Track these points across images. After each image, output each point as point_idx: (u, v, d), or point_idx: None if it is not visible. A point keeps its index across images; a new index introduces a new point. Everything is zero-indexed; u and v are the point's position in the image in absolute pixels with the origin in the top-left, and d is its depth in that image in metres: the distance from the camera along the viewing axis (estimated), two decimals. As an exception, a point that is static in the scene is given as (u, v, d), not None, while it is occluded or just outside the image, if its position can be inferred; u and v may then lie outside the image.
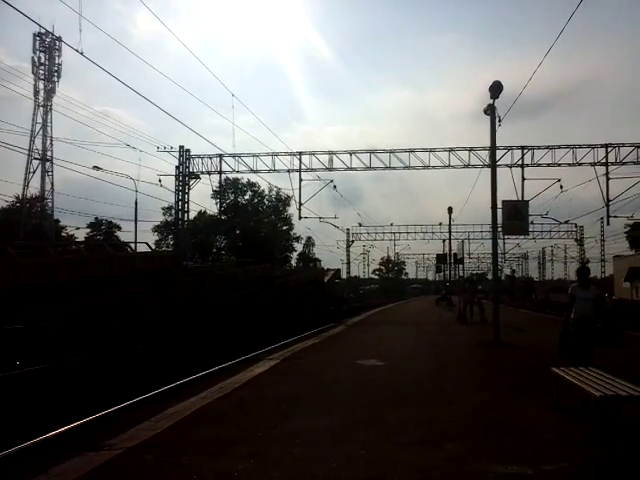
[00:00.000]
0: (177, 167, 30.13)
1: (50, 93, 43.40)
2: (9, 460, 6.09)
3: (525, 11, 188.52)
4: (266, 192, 67.20)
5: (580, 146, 27.61)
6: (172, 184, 30.45)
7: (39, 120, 42.97)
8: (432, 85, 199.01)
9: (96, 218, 54.45)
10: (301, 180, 29.75)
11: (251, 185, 65.63)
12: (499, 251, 24.55)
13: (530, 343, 16.15)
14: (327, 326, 25.40)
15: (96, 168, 31.66)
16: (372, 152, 29.22)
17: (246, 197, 67.49)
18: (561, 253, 74.30)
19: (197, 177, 30.50)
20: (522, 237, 46.18)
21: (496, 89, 15.15)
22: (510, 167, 27.46)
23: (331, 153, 29.34)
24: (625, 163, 27.20)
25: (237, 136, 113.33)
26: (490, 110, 15.76)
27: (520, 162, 27.58)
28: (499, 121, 15.97)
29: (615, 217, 29.64)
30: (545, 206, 35.40)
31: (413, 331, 20.76)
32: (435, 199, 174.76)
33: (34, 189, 44.75)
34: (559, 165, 27.99)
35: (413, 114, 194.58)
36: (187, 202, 30.50)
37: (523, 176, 27.11)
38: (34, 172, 43.65)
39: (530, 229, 28.03)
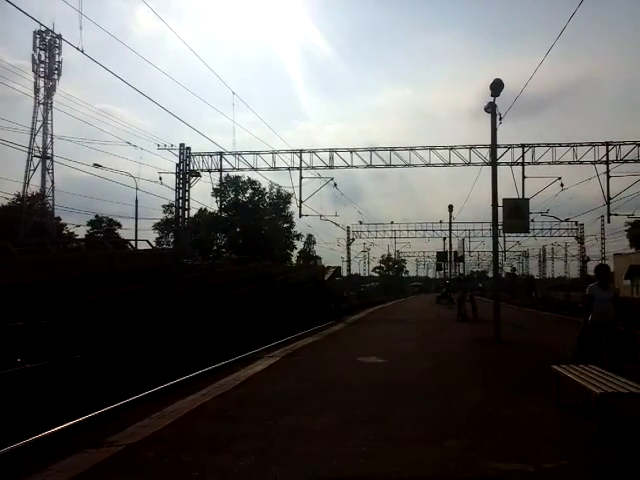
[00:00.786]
0: (178, 165, 30.10)
1: (50, 91, 43.40)
2: (11, 457, 6.10)
3: (525, 9, 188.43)
4: (267, 190, 67.29)
5: (581, 144, 27.56)
6: (173, 182, 30.45)
7: (39, 118, 43.00)
8: (432, 83, 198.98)
9: (97, 216, 54.51)
10: (301, 178, 29.72)
11: (252, 183, 65.67)
12: (499, 249, 24.45)
13: (531, 341, 16.14)
14: (327, 324, 25.41)
15: (97, 166, 31.65)
16: (372, 150, 29.19)
17: (247, 195, 67.49)
18: (561, 251, 74.32)
19: (198, 175, 30.47)
20: (523, 235, 46.10)
21: (497, 87, 15.13)
22: (511, 165, 27.42)
23: (331, 151, 29.31)
24: (626, 161, 27.15)
25: (237, 134, 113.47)
26: (491, 108, 15.74)
27: (521, 160, 27.53)
28: (500, 119, 15.96)
29: (616, 215, 29.59)
30: (546, 204, 35.33)
31: (413, 329, 20.77)
32: (435, 197, 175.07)
33: (35, 187, 44.83)
34: (560, 163, 27.95)
35: (413, 112, 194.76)
36: (188, 200, 30.47)
37: (524, 174, 27.06)
38: (35, 170, 43.70)
39: (530, 227, 28.00)
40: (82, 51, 13.23)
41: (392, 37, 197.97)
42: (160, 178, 30.93)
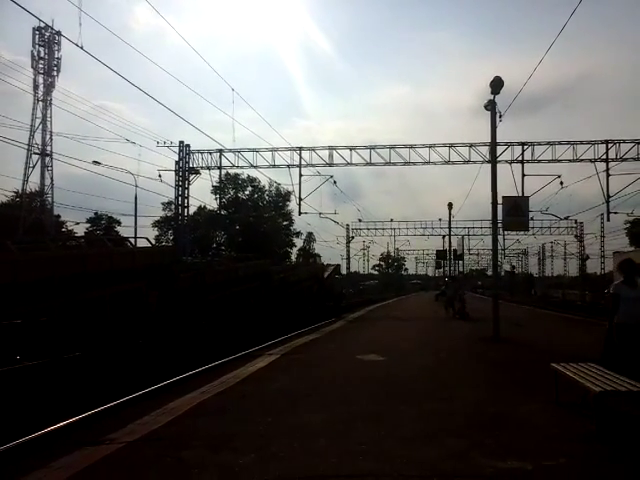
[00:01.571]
0: (177, 162, 30.10)
1: (50, 87, 43.27)
2: (10, 454, 6.11)
3: (524, 6, 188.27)
4: (266, 187, 67.26)
5: (580, 142, 27.57)
6: (172, 179, 30.47)
7: (39, 115, 42.85)
8: (431, 80, 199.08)
9: (96, 213, 54.47)
10: (301, 175, 29.73)
11: (251, 180, 65.65)
12: (499, 247, 24.51)
13: (530, 339, 16.15)
14: (327, 321, 25.44)
15: (96, 163, 31.69)
16: (372, 148, 29.22)
17: (246, 192, 67.47)
18: (561, 249, 74.22)
19: (197, 172, 30.48)
20: (522, 233, 46.30)
21: (497, 85, 15.12)
22: (510, 163, 27.43)
23: (331, 148, 29.33)
24: (625, 159, 27.19)
25: (237, 131, 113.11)
26: (490, 106, 15.73)
27: (520, 158, 27.54)
28: (500, 117, 15.95)
29: (615, 213, 29.75)
30: (545, 202, 35.41)
31: (413, 326, 20.79)
32: (435, 195, 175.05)
33: (34, 184, 44.70)
34: (559, 161, 27.97)
35: (412, 109, 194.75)
36: (187, 197, 30.48)
37: (523, 172, 27.09)
38: (34, 167, 43.57)
39: (530, 225, 28.01)
40: (81, 47, 13.21)
41: (392, 35, 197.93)
42: (159, 175, 30.97)
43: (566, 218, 44.76)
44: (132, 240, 24.52)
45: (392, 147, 28.90)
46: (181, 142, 30.11)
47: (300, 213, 31.69)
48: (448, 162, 28.39)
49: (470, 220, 56.04)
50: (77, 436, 6.01)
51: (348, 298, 50.66)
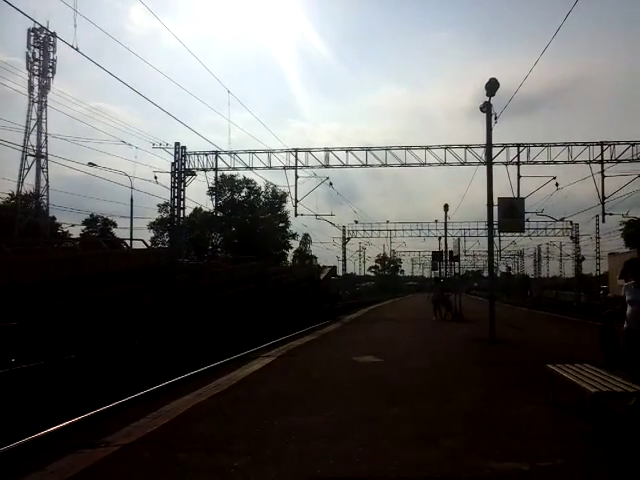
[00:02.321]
0: (173, 164, 30.08)
1: (45, 89, 43.17)
2: (5, 457, 6.08)
3: (519, 8, 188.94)
4: (262, 189, 67.25)
5: (575, 144, 27.68)
6: (168, 181, 30.46)
7: (34, 116, 42.76)
8: (427, 82, 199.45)
9: (91, 215, 54.41)
10: (297, 177, 29.75)
11: (247, 182, 65.62)
12: (495, 248, 24.47)
13: (526, 340, 16.18)
14: (323, 323, 25.41)
15: (91, 165, 31.62)
16: (368, 149, 29.25)
17: (242, 194, 67.42)
18: (557, 250, 74.45)
19: (193, 174, 30.46)
20: (518, 234, 46.43)
21: (492, 87, 15.14)
22: (506, 165, 27.52)
23: (327, 150, 29.35)
24: (620, 161, 27.31)
25: (233, 133, 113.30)
26: (486, 108, 15.76)
27: (516, 160, 27.64)
28: (495, 118, 15.99)
29: (610, 214, 29.91)
30: (541, 204, 35.44)
31: (409, 328, 20.79)
32: (431, 196, 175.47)
33: (29, 186, 44.58)
34: (555, 163, 28.08)
35: (408, 111, 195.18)
36: (183, 199, 30.46)
37: (519, 174, 27.18)
38: (29, 169, 43.47)
39: (526, 226, 28.12)
40: (77, 49, 13.21)
41: (388, 36, 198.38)
42: (155, 177, 31.08)
43: (562, 219, 44.94)
44: (128, 242, 24.48)
45: (388, 149, 28.97)
46: (177, 144, 30.11)
47: (296, 215, 31.72)
48: (444, 164, 28.48)
49: (466, 221, 56.25)
50: (73, 439, 5.99)
51: (344, 300, 50.68)
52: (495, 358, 11.93)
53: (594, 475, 4.61)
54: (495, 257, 31.97)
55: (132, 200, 35.63)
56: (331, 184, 33.25)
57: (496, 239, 43.05)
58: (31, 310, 13.62)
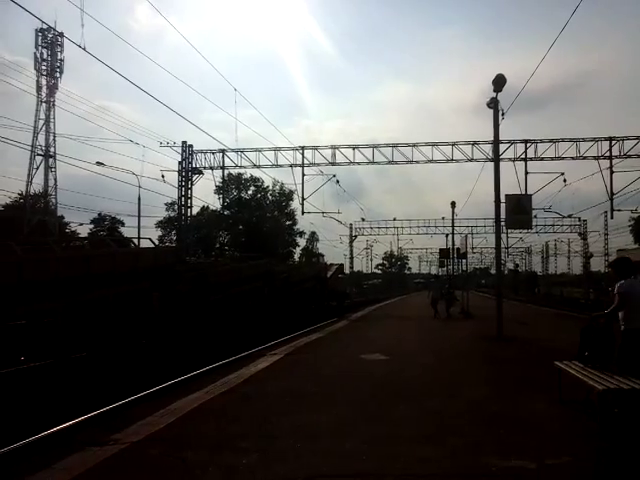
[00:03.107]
0: (180, 162, 30.11)
1: (53, 89, 43.33)
2: (15, 455, 6.14)
3: (526, 4, 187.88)
4: (269, 187, 67.30)
5: (584, 139, 27.48)
6: (175, 180, 30.48)
7: (42, 116, 42.94)
8: (433, 79, 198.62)
9: (99, 214, 54.60)
10: (304, 175, 29.70)
11: (254, 180, 65.67)
12: (502, 245, 24.38)
13: (533, 337, 16.12)
14: (330, 321, 25.43)
15: (99, 164, 31.74)
16: (375, 146, 29.18)
17: (249, 192, 67.50)
18: (564, 247, 74.06)
19: (200, 172, 30.48)
20: (525, 231, 46.09)
21: (499, 82, 15.07)
22: (513, 161, 27.34)
23: (334, 148, 29.28)
24: (629, 156, 27.05)
25: (239, 131, 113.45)
26: (493, 104, 15.69)
27: (523, 156, 27.44)
28: (502, 114, 15.91)
29: (619, 211, 29.63)
30: (548, 200, 35.26)
31: (416, 325, 20.77)
32: (438, 193, 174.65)
33: (38, 185, 44.78)
34: (562, 159, 27.85)
35: (414, 108, 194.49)
36: (190, 197, 30.49)
37: (526, 170, 27.01)
38: (37, 168, 43.66)
39: (533, 223, 28.03)
40: (84, 48, 13.24)
41: (393, 33, 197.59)
42: (162, 176, 31.02)
43: (569, 216, 44.67)
44: (135, 241, 24.57)
45: (395, 146, 28.84)
46: (184, 142, 30.13)
47: (303, 212, 31.70)
48: (451, 160, 28.31)
49: (473, 218, 56.04)
50: (81, 437, 6.02)
51: (351, 297, 50.66)
52: (502, 355, 11.90)
53: (601, 473, 4.60)
54: (503, 254, 31.90)
55: (140, 199, 35.83)
56: (338, 182, 33.17)
57: (503, 236, 42.87)
58: (40, 309, 13.71)
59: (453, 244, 36.36)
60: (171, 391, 9.33)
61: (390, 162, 29.04)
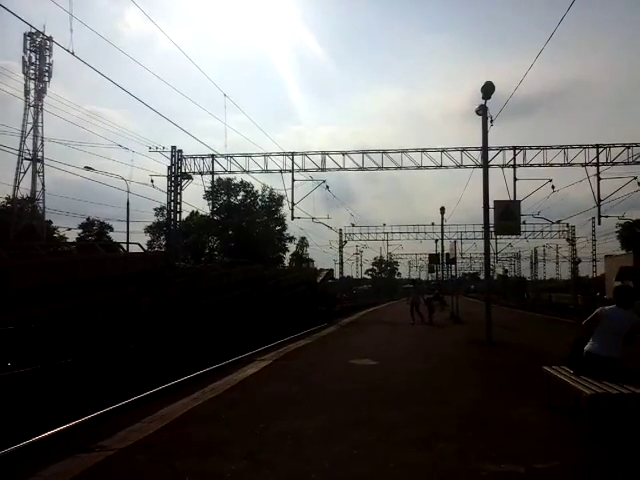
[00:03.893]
0: (169, 167, 30.00)
1: (41, 93, 43.18)
2: (0, 462, 6.05)
3: (516, 11, 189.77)
4: (259, 192, 67.27)
5: (571, 146, 27.73)
6: (164, 185, 30.34)
7: (30, 120, 42.74)
8: (423, 85, 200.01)
9: (88, 219, 54.38)
10: (294, 180, 29.69)
11: (244, 185, 65.61)
12: (491, 251, 24.57)
13: (522, 342, 16.21)
14: (320, 326, 25.41)
15: (87, 168, 31.51)
16: (364, 152, 29.22)
17: (239, 197, 67.43)
18: (553, 253, 74.52)
19: (189, 177, 30.38)
20: (514, 237, 46.31)
21: (488, 89, 15.20)
22: (502, 167, 27.50)
23: (324, 153, 29.32)
24: (616, 163, 27.34)
25: (229, 136, 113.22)
26: (482, 111, 15.81)
27: (512, 162, 27.64)
28: (491, 121, 16.04)
29: (606, 217, 29.79)
30: (537, 206, 35.60)
31: (406, 331, 20.79)
32: (427, 199, 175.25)
33: (25, 190, 44.50)
34: (551, 165, 28.10)
35: (404, 114, 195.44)
36: (179, 203, 30.36)
37: (515, 176, 27.15)
38: (25, 172, 43.44)
39: (522, 229, 28.15)
40: (72, 53, 13.17)
41: (384, 39, 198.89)
42: (152, 181, 30.82)
43: (558, 222, 44.99)
44: (124, 246, 24.44)
45: (384, 152, 28.93)
46: (173, 147, 30.04)
47: (293, 218, 31.69)
48: (440, 167, 28.44)
49: (462, 224, 56.16)
50: (68, 444, 5.96)
51: (341, 303, 50.65)
52: (491, 360, 11.93)
53: (590, 477, 4.62)
54: (492, 260, 32.17)
55: (128, 204, 35.62)
56: (327, 187, 33.20)
57: (492, 242, 43.13)
58: (27, 314, 13.57)
59: (442, 249, 36.54)
60: (159, 397, 9.27)
61: (379, 168, 29.09)
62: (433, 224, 49.86)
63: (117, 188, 50.55)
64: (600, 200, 27.88)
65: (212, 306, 21.21)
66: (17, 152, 40.92)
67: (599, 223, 32.22)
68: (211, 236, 62.98)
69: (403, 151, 28.69)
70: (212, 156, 29.73)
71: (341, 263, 57.75)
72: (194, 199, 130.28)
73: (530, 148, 28.07)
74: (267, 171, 29.83)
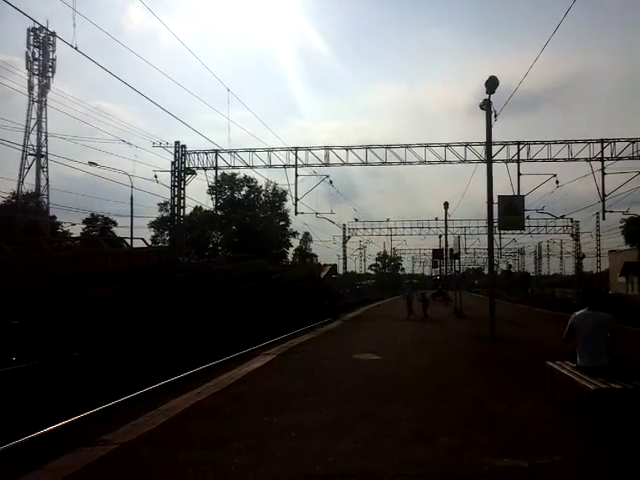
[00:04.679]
0: (173, 163, 29.98)
1: (44, 88, 43.13)
2: (5, 455, 6.09)
3: (520, 5, 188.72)
4: (262, 187, 67.20)
5: (576, 141, 27.58)
6: (168, 180, 30.33)
7: (34, 116, 42.74)
8: (426, 79, 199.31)
9: (92, 214, 54.31)
10: (297, 175, 29.64)
11: (247, 180, 65.54)
12: (495, 246, 24.50)
13: (526, 337, 16.18)
14: (323, 321, 25.44)
15: (92, 164, 31.60)
16: (368, 147, 29.17)
17: (242, 192, 67.36)
18: (557, 248, 74.35)
19: (193, 173, 30.38)
20: (518, 232, 46.30)
21: (492, 84, 15.13)
22: (506, 162, 27.40)
23: (327, 148, 29.27)
24: (620, 158, 27.20)
25: (233, 131, 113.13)
26: (486, 105, 15.74)
27: (516, 157, 27.51)
28: (495, 116, 15.97)
29: (611, 212, 29.75)
30: (541, 201, 35.36)
31: (409, 326, 20.80)
32: (431, 194, 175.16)
33: (29, 185, 44.54)
34: (555, 160, 27.94)
35: (408, 109, 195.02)
36: (183, 198, 30.34)
37: (519, 171, 27.06)
38: (29, 168, 43.45)
39: (526, 224, 28.10)
40: (76, 48, 13.17)
41: (387, 34, 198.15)
42: (155, 176, 30.96)
43: (562, 217, 44.81)
44: (128, 241, 24.49)
45: (388, 147, 28.86)
46: (177, 142, 30.01)
47: (296, 213, 31.61)
48: (444, 162, 28.34)
49: (466, 219, 56.35)
50: (72, 437, 5.99)
51: (344, 298, 50.68)
52: (495, 355, 11.93)
53: (593, 472, 4.61)
54: (495, 255, 32.01)
55: (132, 199, 35.76)
56: (331, 182, 33.20)
57: (496, 237, 43.06)
58: (32, 309, 13.63)
59: (446, 245, 36.56)
60: (163, 391, 9.29)
61: (383, 163, 29.04)
62: (437, 219, 49.81)
63: (121, 183, 50.70)
64: (605, 195, 27.76)
65: (216, 301, 21.27)
66: (21, 148, 40.98)
67: (603, 218, 32.04)
68: (215, 231, 62.95)
69: (407, 146, 28.61)
70: (216, 151, 29.71)
71: (345, 258, 57.81)
72: (198, 194, 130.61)
73: (534, 143, 27.92)
74: (270, 166, 29.80)
